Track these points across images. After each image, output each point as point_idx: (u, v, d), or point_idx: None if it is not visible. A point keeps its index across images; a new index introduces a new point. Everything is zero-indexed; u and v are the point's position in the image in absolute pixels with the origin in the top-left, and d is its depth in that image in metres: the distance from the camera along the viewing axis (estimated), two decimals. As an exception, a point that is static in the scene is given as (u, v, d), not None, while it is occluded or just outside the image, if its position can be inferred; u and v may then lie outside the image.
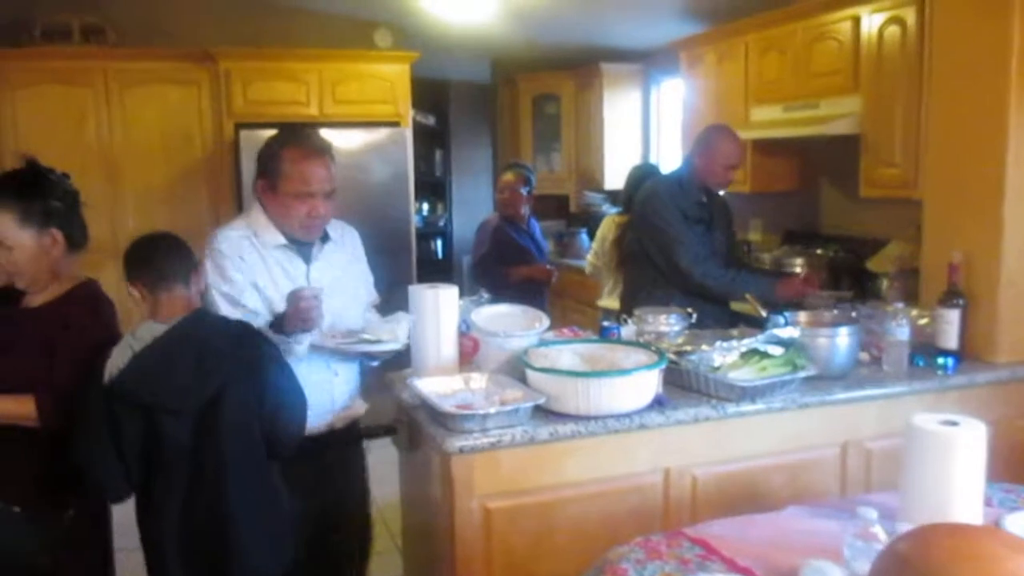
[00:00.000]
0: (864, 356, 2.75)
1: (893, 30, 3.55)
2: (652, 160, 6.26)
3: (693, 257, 3.36)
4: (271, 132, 5.07)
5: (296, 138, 2.36)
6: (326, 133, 5.13)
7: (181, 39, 5.45)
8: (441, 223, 6.94)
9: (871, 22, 3.67)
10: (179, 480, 2.11)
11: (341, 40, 5.73)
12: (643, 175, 4.63)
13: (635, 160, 6.14)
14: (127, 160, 5.24)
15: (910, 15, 3.44)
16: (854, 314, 2.81)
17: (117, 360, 2.09)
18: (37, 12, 5.18)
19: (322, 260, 2.42)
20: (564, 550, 2.24)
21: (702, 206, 3.51)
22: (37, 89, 5.05)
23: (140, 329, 2.14)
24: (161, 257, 2.21)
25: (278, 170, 2.30)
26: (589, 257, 4.87)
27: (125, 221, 5.20)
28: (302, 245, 2.38)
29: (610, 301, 4.59)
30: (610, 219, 4.79)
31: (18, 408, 2.14)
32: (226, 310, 2.28)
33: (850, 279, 3.99)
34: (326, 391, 2.41)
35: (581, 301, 5.67)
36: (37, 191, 2.23)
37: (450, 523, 2.19)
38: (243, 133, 5.22)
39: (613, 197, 6.08)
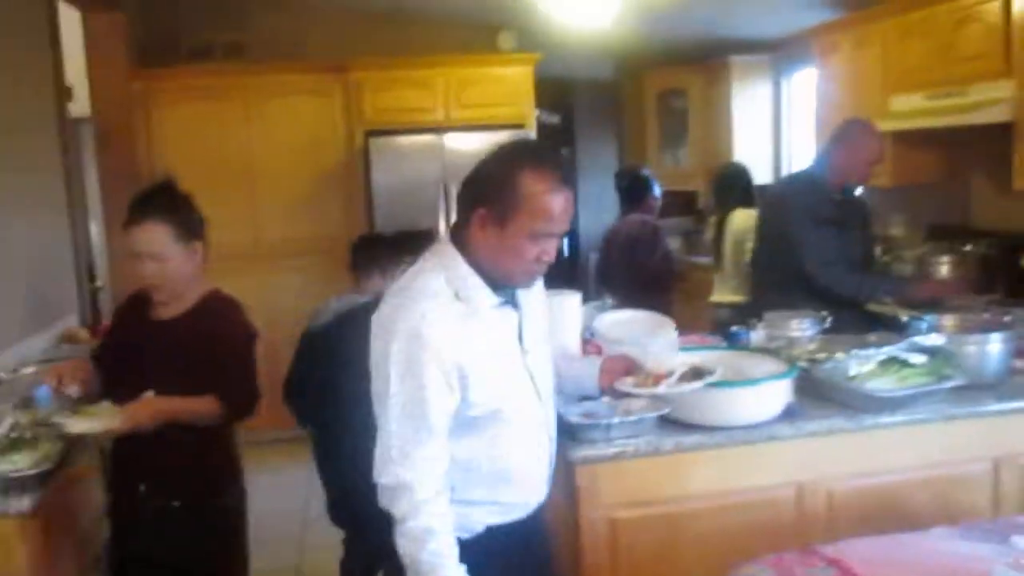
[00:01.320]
0: (1019, 363, 2.56)
1: (1049, 8, 3.29)
2: (783, 152, 6.08)
3: (819, 261, 3.21)
4: (400, 138, 5.38)
5: (540, 160, 1.72)
6: (451, 137, 5.36)
7: (314, 52, 5.66)
8: (567, 221, 6.94)
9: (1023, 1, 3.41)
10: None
11: (465, 45, 5.81)
12: (729, 175, 4.75)
13: (767, 155, 6.01)
14: (266, 170, 5.47)
15: (1069, -9, 3.18)
16: (1008, 318, 2.62)
17: (321, 316, 2.86)
18: (182, 32, 5.50)
19: (528, 304, 1.87)
20: (692, 563, 2.20)
21: (836, 205, 3.34)
22: (183, 107, 5.34)
23: (345, 295, 2.89)
24: (360, 250, 3.03)
25: (514, 201, 1.68)
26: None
27: (265, 228, 5.47)
28: (508, 289, 1.80)
29: (718, 295, 4.65)
30: (710, 219, 4.84)
31: (202, 407, 2.31)
32: (399, 426, 1.67)
33: (1003, 278, 3.72)
34: (548, 455, 1.92)
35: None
36: (185, 206, 2.40)
37: (576, 533, 2.19)
38: (372, 140, 5.39)
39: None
